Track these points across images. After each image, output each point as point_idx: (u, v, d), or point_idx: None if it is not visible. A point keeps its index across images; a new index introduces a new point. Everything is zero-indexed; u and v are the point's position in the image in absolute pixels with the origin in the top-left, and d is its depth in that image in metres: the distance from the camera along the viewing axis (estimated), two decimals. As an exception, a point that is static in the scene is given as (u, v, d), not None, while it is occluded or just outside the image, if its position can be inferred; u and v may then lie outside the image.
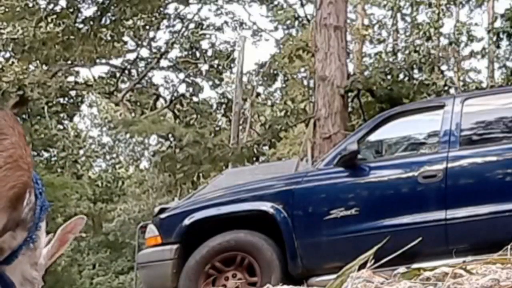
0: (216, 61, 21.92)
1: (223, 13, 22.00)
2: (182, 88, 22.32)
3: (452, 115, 5.93)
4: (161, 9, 20.29)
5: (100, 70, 39.32)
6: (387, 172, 5.96)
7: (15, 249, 2.37)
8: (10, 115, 2.41)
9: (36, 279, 2.41)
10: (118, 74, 21.24)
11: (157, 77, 44.21)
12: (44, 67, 19.16)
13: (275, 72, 21.61)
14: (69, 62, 19.62)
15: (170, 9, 20.89)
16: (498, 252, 3.65)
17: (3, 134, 2.19)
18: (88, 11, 18.58)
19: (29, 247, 2.34)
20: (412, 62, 15.13)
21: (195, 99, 22.13)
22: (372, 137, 6.27)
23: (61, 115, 22.70)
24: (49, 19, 17.92)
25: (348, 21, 19.55)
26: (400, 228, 5.53)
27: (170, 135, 19.48)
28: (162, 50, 21.56)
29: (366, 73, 15.76)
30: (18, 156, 2.21)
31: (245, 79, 21.46)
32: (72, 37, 17.73)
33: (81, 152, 26.68)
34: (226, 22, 22.07)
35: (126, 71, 21.43)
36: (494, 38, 15.76)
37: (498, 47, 16.91)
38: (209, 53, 21.98)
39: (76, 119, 26.48)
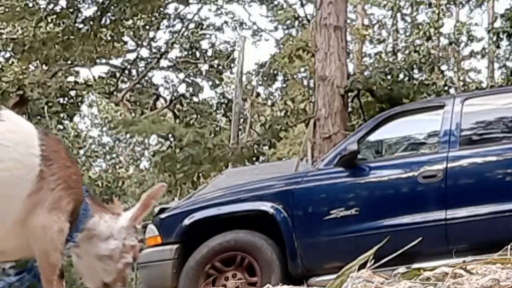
0: (216, 61, 21.91)
1: (223, 13, 22.01)
2: (182, 88, 22.33)
3: (452, 115, 5.93)
4: (161, 9, 20.27)
5: (100, 70, 39.29)
6: (387, 172, 5.96)
7: None
8: (54, 138, 2.91)
9: (113, 249, 2.96)
10: (118, 74, 21.23)
11: (157, 77, 44.17)
12: (44, 67, 19.16)
13: (275, 72, 21.60)
14: (69, 62, 19.61)
15: (170, 9, 20.91)
16: (498, 252, 3.65)
17: (50, 160, 2.69)
18: (88, 11, 18.58)
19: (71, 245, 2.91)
20: (412, 62, 15.12)
21: (195, 99, 22.12)
22: (372, 137, 6.28)
23: (61, 115, 22.67)
24: (49, 19, 17.90)
25: (348, 21, 19.56)
26: (400, 228, 5.53)
27: (170, 135, 19.46)
28: (162, 50, 21.56)
29: (366, 73, 15.77)
30: (67, 177, 2.76)
31: (245, 79, 21.45)
32: (72, 37, 17.71)
33: (81, 152, 26.67)
34: (226, 22, 22.08)
35: (126, 71, 21.43)
36: (494, 38, 15.74)
37: (498, 47, 16.89)
38: (209, 53, 21.98)
39: (76, 119, 26.46)
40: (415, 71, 14.96)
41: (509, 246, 3.49)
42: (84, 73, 21.66)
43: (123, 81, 21.61)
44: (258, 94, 23.30)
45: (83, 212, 2.90)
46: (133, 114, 21.43)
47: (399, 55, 19.87)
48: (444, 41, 22.06)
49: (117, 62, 21.19)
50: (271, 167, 10.50)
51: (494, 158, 5.73)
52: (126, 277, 3.03)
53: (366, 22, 24.20)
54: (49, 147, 2.80)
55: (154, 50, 21.51)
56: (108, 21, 18.57)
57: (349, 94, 12.55)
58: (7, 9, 17.92)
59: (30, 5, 18.23)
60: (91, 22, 17.88)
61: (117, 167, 29.90)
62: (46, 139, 2.82)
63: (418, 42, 19.44)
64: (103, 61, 20.65)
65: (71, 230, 2.87)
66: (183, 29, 21.49)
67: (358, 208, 5.73)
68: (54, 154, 2.80)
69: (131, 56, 21.36)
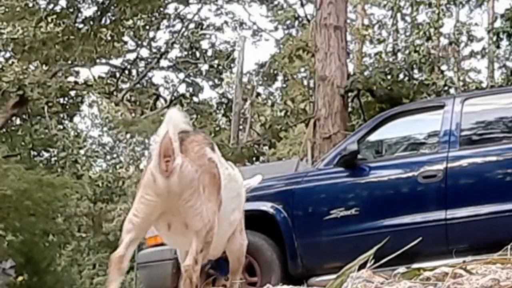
0: (216, 61, 21.88)
1: (223, 13, 21.99)
2: (182, 88, 22.30)
3: (452, 115, 5.93)
4: (161, 9, 20.26)
5: (100, 70, 39.31)
6: (387, 172, 5.96)
7: None
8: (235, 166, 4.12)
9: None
10: (118, 74, 21.21)
11: (157, 77, 44.16)
12: (44, 67, 19.14)
13: (275, 72, 21.59)
14: (69, 62, 19.59)
15: (170, 9, 20.88)
16: (498, 252, 3.65)
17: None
18: (88, 11, 18.59)
19: None
20: (412, 62, 15.11)
21: (195, 99, 22.10)
22: (372, 137, 6.28)
23: (61, 115, 22.67)
24: (49, 19, 17.90)
25: (348, 21, 19.56)
26: (400, 228, 5.53)
27: (170, 135, 19.38)
28: (162, 50, 21.53)
29: (366, 73, 15.74)
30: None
31: (245, 79, 21.45)
32: (72, 37, 17.71)
33: (81, 152, 26.68)
34: (226, 22, 22.06)
35: (126, 71, 21.41)
36: (494, 38, 15.76)
37: (498, 47, 16.90)
38: (209, 53, 21.95)
39: (76, 119, 26.49)
40: (415, 71, 14.97)
41: (509, 246, 3.49)
42: (84, 73, 21.63)
43: (123, 81, 21.58)
44: (258, 94, 23.29)
45: None
46: (133, 114, 21.42)
47: (399, 55, 19.86)
48: (444, 41, 22.07)
49: (117, 62, 21.18)
50: (271, 167, 10.48)
51: (494, 158, 5.73)
52: None
53: (366, 22, 24.21)
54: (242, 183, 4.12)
55: (154, 50, 21.49)
56: (108, 21, 18.58)
57: (349, 94, 12.56)
58: (7, 9, 17.92)
59: (30, 5, 18.24)
60: (91, 22, 17.88)
61: (117, 167, 29.92)
62: None
63: (418, 42, 19.42)
64: (103, 61, 20.63)
65: None
66: (183, 29, 21.47)
67: (358, 208, 5.73)
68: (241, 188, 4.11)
69: (131, 56, 21.34)
